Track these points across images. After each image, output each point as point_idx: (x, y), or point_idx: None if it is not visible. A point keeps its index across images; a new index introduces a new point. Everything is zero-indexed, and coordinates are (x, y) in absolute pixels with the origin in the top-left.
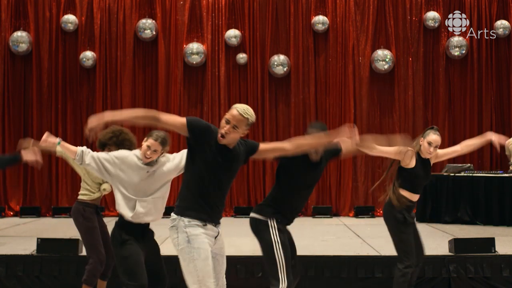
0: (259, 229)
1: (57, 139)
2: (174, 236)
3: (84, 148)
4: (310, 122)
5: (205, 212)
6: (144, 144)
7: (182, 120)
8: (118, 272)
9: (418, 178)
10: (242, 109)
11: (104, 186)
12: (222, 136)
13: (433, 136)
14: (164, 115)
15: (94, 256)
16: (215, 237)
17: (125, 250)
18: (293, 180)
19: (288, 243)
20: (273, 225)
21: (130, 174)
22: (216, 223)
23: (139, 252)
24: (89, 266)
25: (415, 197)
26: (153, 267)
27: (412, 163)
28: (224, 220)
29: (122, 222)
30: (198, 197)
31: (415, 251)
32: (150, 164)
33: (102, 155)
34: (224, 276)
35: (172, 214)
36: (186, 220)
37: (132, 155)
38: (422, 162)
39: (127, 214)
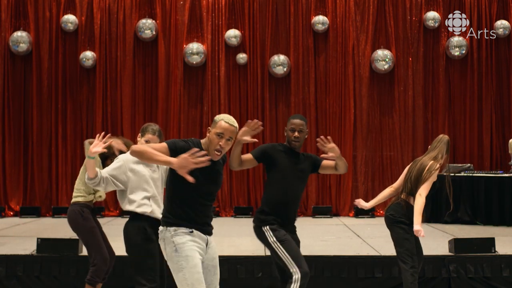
0: (259, 236)
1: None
2: (162, 248)
3: (104, 173)
4: (291, 115)
5: (191, 219)
6: (142, 140)
7: (163, 145)
8: (133, 268)
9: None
10: (230, 120)
11: (100, 193)
12: (218, 151)
13: (446, 156)
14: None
15: (98, 256)
16: (206, 246)
17: (147, 250)
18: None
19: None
20: (267, 229)
21: (140, 169)
22: (204, 231)
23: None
24: (94, 266)
25: (413, 201)
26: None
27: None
28: (224, 220)
29: (138, 219)
30: (183, 207)
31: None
32: None
33: (107, 170)
34: (218, 287)
35: (160, 227)
36: (172, 229)
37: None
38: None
39: (147, 209)
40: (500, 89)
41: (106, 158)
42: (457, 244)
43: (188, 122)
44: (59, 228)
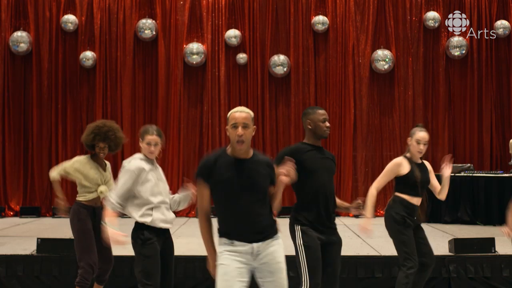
0: (290, 232)
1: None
2: None
3: (114, 201)
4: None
5: (230, 230)
6: (143, 143)
7: (201, 188)
8: (135, 269)
9: (415, 181)
10: (239, 109)
11: (101, 188)
12: (239, 141)
13: (421, 134)
14: (199, 203)
15: (83, 259)
16: (252, 254)
17: (147, 249)
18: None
19: (320, 248)
20: (298, 230)
21: (149, 177)
22: (246, 240)
23: (158, 252)
24: (80, 270)
25: (415, 200)
26: (163, 266)
27: (405, 170)
28: None
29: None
30: (223, 217)
31: (425, 253)
32: (153, 163)
33: (115, 194)
34: None
35: None
36: (221, 240)
37: (136, 161)
38: (417, 165)
39: (157, 217)
40: (500, 89)
41: (93, 147)
42: (457, 244)
43: (188, 122)
44: (59, 228)
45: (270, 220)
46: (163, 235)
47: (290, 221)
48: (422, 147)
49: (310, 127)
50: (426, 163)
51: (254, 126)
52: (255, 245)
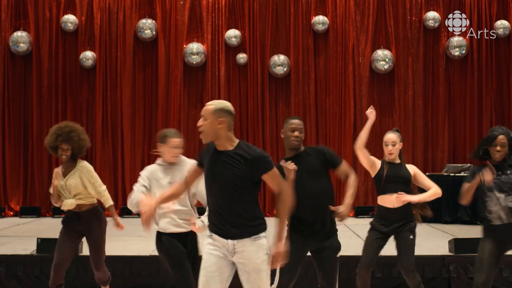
0: None
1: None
2: None
3: (137, 198)
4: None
5: (212, 223)
6: (165, 147)
7: (194, 165)
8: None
9: (383, 181)
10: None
11: (66, 202)
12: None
13: (387, 135)
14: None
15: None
16: (230, 251)
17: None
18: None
19: (297, 250)
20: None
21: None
22: (225, 236)
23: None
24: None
25: (386, 200)
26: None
27: (375, 169)
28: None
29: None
30: (209, 210)
31: (400, 260)
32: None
33: (138, 193)
34: None
35: None
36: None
37: (153, 168)
38: (388, 165)
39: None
40: (500, 89)
41: (55, 148)
42: (457, 244)
43: (188, 122)
44: (59, 228)
45: (251, 218)
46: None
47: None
48: (391, 148)
49: (283, 136)
50: (410, 166)
51: (219, 119)
52: (230, 241)
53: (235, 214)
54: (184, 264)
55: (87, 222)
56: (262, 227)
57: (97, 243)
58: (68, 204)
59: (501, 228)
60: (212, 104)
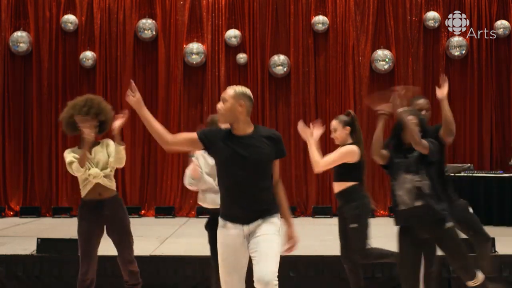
0: None
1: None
2: None
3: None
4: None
5: (229, 209)
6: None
7: (193, 135)
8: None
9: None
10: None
11: (92, 171)
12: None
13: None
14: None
15: (84, 264)
16: (245, 235)
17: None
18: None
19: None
20: None
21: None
22: (242, 221)
23: None
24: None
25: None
26: None
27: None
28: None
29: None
30: (222, 197)
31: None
32: None
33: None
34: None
35: None
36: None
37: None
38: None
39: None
40: (500, 89)
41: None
42: None
43: (188, 122)
44: (59, 228)
45: (270, 200)
46: None
47: None
48: (333, 135)
49: None
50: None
51: (241, 103)
52: (245, 227)
53: (258, 196)
54: None
55: (112, 208)
56: (277, 209)
57: (126, 228)
58: (95, 173)
59: (405, 214)
60: (233, 89)
